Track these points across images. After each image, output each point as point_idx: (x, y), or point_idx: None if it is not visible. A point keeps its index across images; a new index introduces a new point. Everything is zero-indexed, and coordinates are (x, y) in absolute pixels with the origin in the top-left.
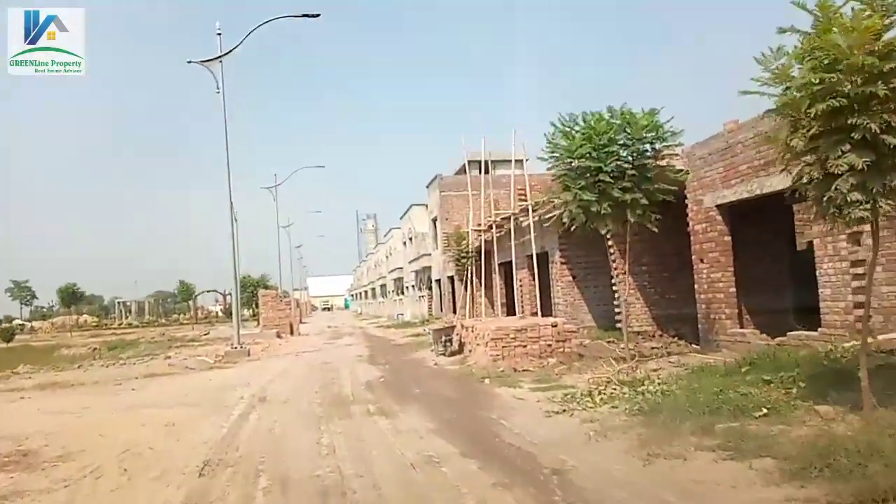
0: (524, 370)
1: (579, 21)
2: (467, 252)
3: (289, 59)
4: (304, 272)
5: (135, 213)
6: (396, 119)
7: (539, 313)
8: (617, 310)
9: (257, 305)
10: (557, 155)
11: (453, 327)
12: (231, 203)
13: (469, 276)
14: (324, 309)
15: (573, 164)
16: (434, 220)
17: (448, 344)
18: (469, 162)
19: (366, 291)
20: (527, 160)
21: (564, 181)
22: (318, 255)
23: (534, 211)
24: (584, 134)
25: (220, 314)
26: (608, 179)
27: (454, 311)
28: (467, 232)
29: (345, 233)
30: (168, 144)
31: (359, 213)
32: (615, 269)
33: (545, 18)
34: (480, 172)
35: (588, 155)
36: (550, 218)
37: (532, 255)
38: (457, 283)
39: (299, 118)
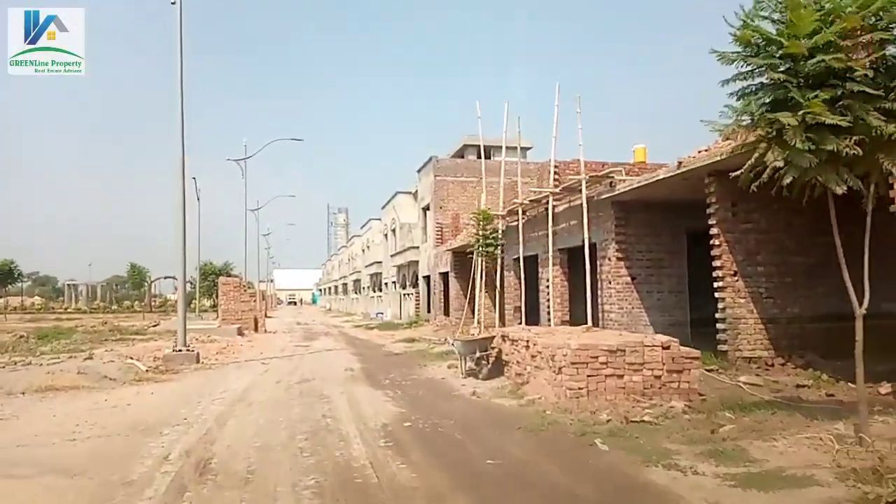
0: (641, 421)
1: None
2: (494, 238)
3: (272, 51)
4: (272, 263)
5: (96, 192)
6: (376, 113)
7: (570, 322)
8: (720, 328)
9: (218, 296)
10: (755, 58)
11: (491, 339)
12: (183, 160)
13: (496, 269)
14: (290, 303)
15: (781, 70)
16: (425, 209)
17: (484, 363)
18: (466, 146)
19: (336, 286)
20: (530, 148)
21: (774, 98)
22: (287, 246)
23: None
24: (821, 6)
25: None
26: (874, 91)
27: (445, 313)
28: (493, 213)
29: (314, 226)
30: (136, 119)
31: (330, 206)
32: (721, 268)
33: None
34: (481, 157)
35: (827, 48)
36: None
37: (566, 249)
38: (452, 280)
39: (277, 106)
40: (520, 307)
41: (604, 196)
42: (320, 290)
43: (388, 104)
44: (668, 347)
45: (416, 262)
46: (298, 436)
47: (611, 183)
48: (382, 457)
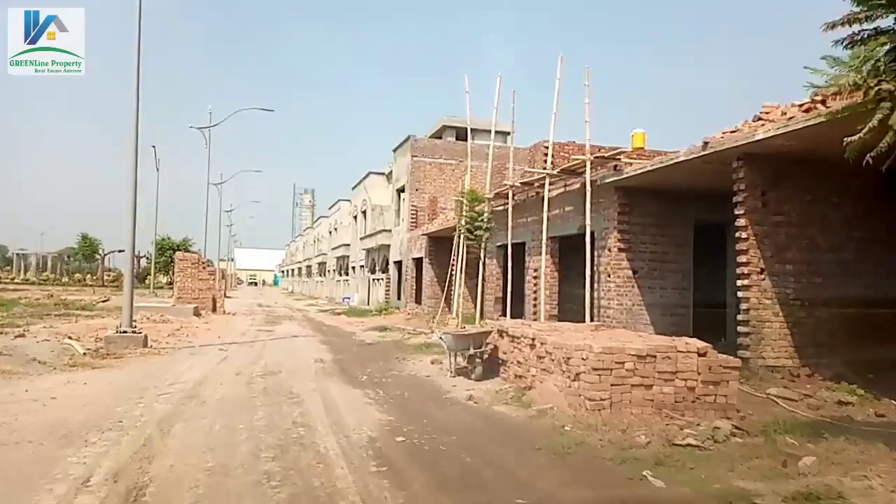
0: (686, 445)
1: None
2: (483, 221)
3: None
4: (233, 241)
5: (53, 160)
6: (348, 92)
7: (558, 318)
8: (742, 332)
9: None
10: None
11: (487, 334)
12: (137, 121)
13: (477, 256)
14: (250, 283)
15: None
16: (400, 191)
17: (477, 360)
18: (445, 127)
19: (300, 269)
20: (513, 133)
21: None
22: (250, 225)
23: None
24: None
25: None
26: None
27: (417, 301)
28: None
29: (280, 206)
30: (96, 84)
31: (296, 186)
32: (747, 264)
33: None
34: (467, 138)
35: None
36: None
37: (557, 238)
38: (426, 267)
39: (247, 84)
40: (502, 298)
41: (608, 180)
42: (283, 271)
43: (362, 83)
44: (704, 354)
45: (388, 245)
46: (264, 453)
47: (615, 166)
48: (377, 490)
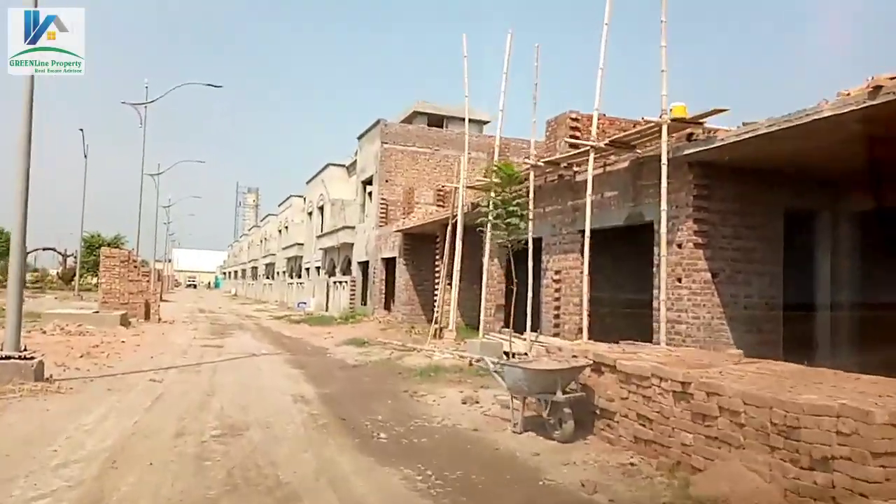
0: None
1: None
2: (521, 206)
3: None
4: (171, 240)
5: None
6: (295, 82)
7: (586, 334)
8: None
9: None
10: None
11: (581, 368)
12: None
13: (471, 254)
14: (189, 285)
15: None
16: (366, 183)
17: (566, 411)
18: (417, 114)
19: (244, 270)
20: (487, 122)
21: None
22: (189, 223)
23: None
24: None
25: (57, 279)
26: None
27: (386, 307)
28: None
29: (221, 205)
30: None
31: (239, 185)
32: None
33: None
34: (443, 126)
35: None
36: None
37: (595, 231)
38: (400, 268)
39: (191, 71)
40: (504, 306)
41: (687, 151)
42: (225, 273)
43: (311, 70)
44: None
45: (351, 244)
46: None
47: (689, 136)
48: None
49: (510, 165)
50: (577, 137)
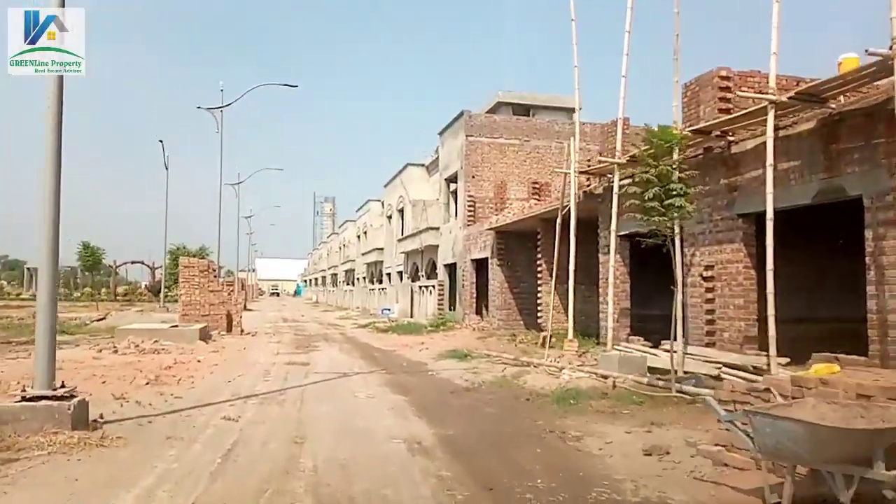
0: None
1: None
2: (686, 182)
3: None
4: (253, 250)
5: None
6: (372, 95)
7: (773, 347)
8: None
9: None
10: None
11: None
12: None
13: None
14: (272, 294)
15: None
16: (450, 180)
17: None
18: (501, 104)
19: (324, 277)
20: (579, 108)
21: None
22: (270, 233)
23: None
24: None
25: (146, 291)
26: None
27: (478, 312)
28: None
29: (299, 215)
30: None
31: (316, 195)
32: None
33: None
34: (531, 115)
35: None
36: None
37: (751, 216)
38: (493, 269)
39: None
40: (629, 310)
41: None
42: (305, 280)
43: (388, 81)
44: None
45: (435, 246)
46: None
47: None
48: None
49: (669, 130)
50: (727, 101)
